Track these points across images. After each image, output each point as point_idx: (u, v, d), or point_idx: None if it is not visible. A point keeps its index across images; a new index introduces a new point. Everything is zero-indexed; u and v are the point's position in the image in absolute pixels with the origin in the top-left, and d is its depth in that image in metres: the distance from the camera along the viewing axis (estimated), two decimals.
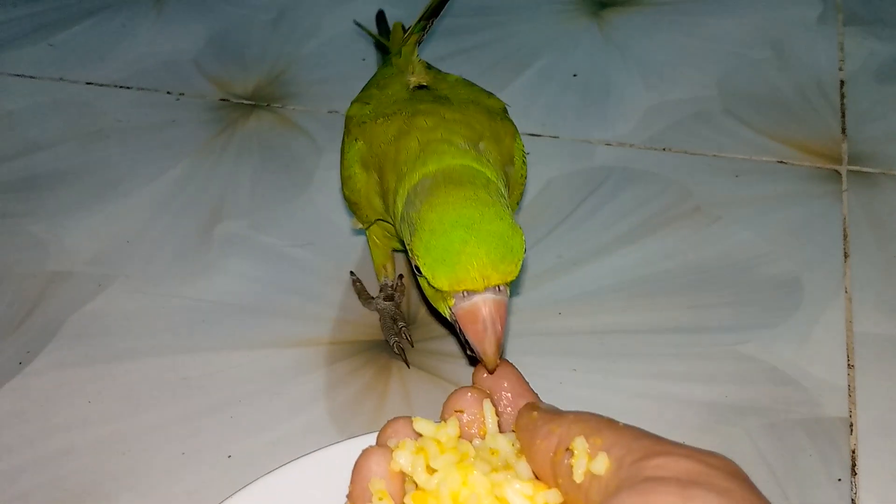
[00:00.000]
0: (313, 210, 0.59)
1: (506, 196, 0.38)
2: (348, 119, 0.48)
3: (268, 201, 0.60)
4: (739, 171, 0.61)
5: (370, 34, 0.61)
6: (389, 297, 0.50)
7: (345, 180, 0.47)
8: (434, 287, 0.35)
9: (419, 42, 0.51)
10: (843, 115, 0.65)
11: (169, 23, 0.82)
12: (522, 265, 0.35)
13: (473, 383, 0.30)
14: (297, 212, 0.59)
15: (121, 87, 0.73)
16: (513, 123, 0.47)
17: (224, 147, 0.66)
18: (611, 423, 0.24)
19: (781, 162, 0.61)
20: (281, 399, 0.47)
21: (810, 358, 0.47)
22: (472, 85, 0.50)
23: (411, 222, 0.36)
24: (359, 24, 0.62)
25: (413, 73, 0.48)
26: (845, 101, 0.67)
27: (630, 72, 0.72)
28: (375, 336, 0.50)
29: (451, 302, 0.35)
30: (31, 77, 0.75)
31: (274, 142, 0.66)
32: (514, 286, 0.38)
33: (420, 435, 0.28)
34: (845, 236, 0.55)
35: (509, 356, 0.48)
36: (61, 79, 0.74)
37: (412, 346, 0.49)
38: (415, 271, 0.37)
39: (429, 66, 0.50)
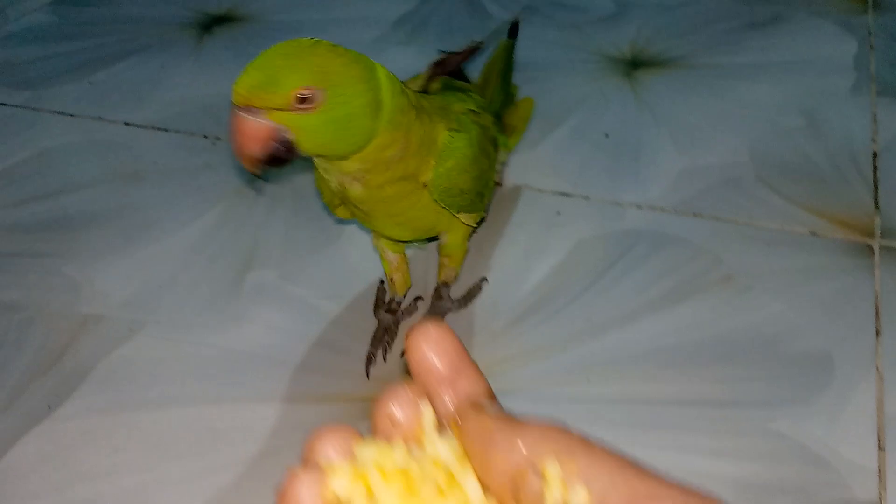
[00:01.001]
0: (343, 262, 0.60)
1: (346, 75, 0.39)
2: None
3: (299, 251, 0.61)
4: (771, 240, 0.61)
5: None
6: (391, 311, 0.53)
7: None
8: None
9: (439, 67, 0.54)
10: (876, 188, 0.65)
11: (207, 66, 0.83)
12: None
13: (406, 347, 0.25)
14: (327, 263, 0.59)
15: (158, 128, 0.74)
16: (463, 125, 0.47)
17: (257, 194, 0.66)
18: (585, 444, 0.21)
19: (813, 233, 0.61)
20: None
21: (841, 438, 0.46)
22: (456, 92, 0.52)
23: None
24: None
25: (416, 82, 0.52)
26: (878, 173, 0.67)
27: (661, 134, 0.73)
28: None
29: None
30: (71, 115, 0.76)
31: (307, 191, 0.67)
32: None
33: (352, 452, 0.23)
34: (877, 313, 0.54)
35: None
36: (100, 118, 0.75)
37: (384, 361, 0.52)
38: None
39: (447, 86, 0.53)
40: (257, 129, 0.38)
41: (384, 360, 0.52)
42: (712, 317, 0.54)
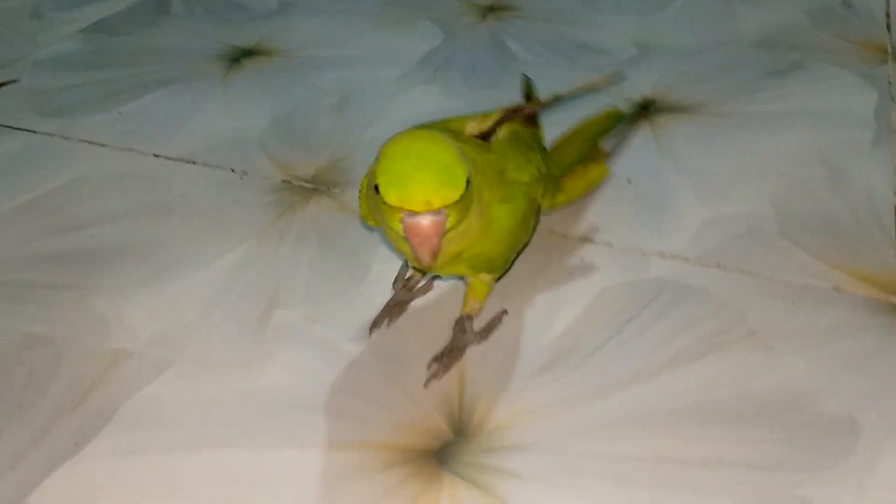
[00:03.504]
0: (369, 305, 0.60)
1: (462, 153, 0.45)
2: None
3: (324, 292, 0.61)
4: (794, 296, 0.61)
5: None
6: (409, 288, 0.58)
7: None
8: (387, 203, 0.44)
9: (513, 114, 0.57)
10: None
11: (236, 100, 0.84)
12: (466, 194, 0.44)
13: None
14: (353, 305, 0.60)
15: (187, 161, 0.75)
16: (513, 196, 0.52)
17: (284, 231, 0.67)
18: None
19: (836, 289, 0.61)
20: None
21: None
22: (520, 153, 0.54)
23: (377, 158, 0.45)
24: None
25: (478, 122, 0.55)
26: None
27: (683, 181, 0.73)
28: (428, 444, 0.50)
29: (400, 215, 0.44)
30: (101, 145, 0.77)
31: (332, 230, 0.67)
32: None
33: None
34: None
35: (561, 477, 0.48)
36: (130, 149, 0.76)
37: (387, 326, 0.57)
38: (374, 191, 0.45)
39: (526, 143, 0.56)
40: (440, 223, 0.44)
41: (387, 326, 0.57)
42: (737, 374, 0.54)
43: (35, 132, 0.79)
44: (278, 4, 1.07)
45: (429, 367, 0.54)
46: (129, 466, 0.48)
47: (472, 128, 0.55)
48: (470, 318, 0.56)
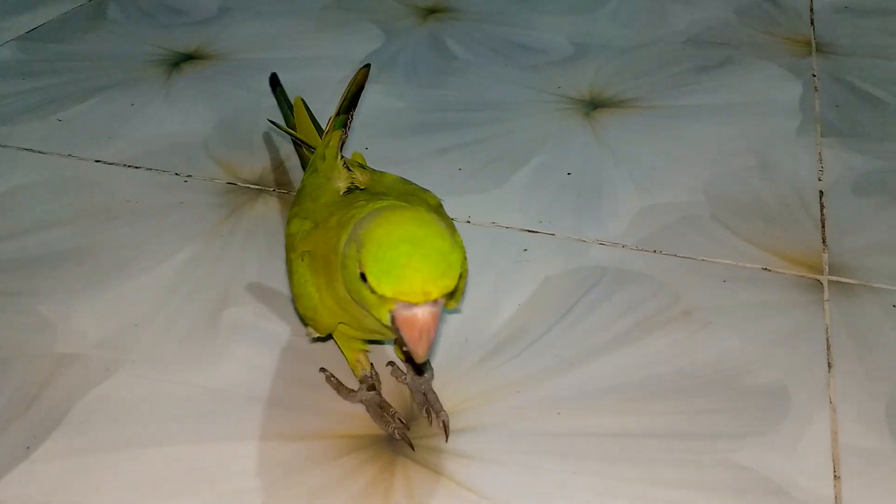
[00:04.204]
0: None
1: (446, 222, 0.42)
2: (291, 236, 0.51)
3: (273, 289, 0.62)
4: (727, 276, 0.64)
5: (287, 131, 0.67)
6: (371, 388, 0.52)
7: (297, 299, 0.49)
8: (377, 293, 0.40)
9: (343, 142, 0.54)
10: (823, 226, 0.69)
11: (177, 104, 0.84)
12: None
13: None
14: None
15: (130, 166, 0.75)
16: (449, 218, 0.51)
17: (231, 231, 0.67)
18: None
19: (766, 269, 0.64)
20: (288, 494, 0.47)
21: (799, 468, 0.49)
22: (409, 182, 0.53)
23: (359, 240, 0.40)
24: (273, 123, 0.70)
25: (340, 178, 0.51)
26: (825, 211, 0.71)
27: (621, 173, 0.76)
28: (381, 431, 0.51)
29: (392, 306, 0.40)
30: (40, 152, 0.76)
31: (280, 229, 0.68)
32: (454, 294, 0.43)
33: None
34: (828, 346, 0.57)
35: (510, 455, 0.49)
36: (70, 155, 0.76)
37: (408, 429, 0.51)
38: (361, 279, 0.40)
39: (362, 167, 0.54)
40: (437, 314, 0.40)
41: (407, 428, 0.51)
42: (674, 351, 0.57)
43: None
44: (217, 9, 1.07)
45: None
46: (82, 466, 0.48)
47: (342, 185, 0.51)
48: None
